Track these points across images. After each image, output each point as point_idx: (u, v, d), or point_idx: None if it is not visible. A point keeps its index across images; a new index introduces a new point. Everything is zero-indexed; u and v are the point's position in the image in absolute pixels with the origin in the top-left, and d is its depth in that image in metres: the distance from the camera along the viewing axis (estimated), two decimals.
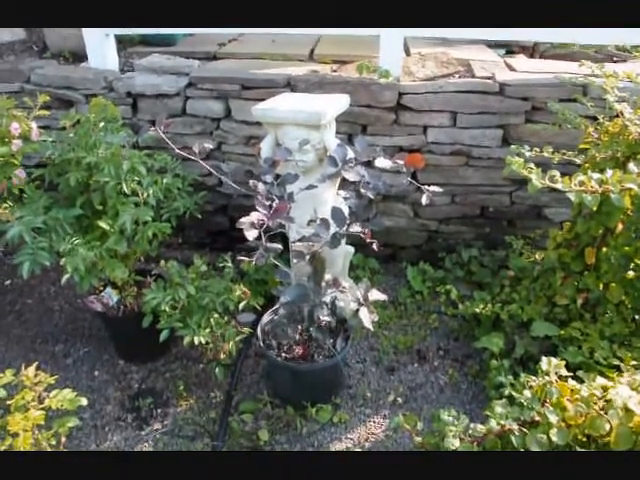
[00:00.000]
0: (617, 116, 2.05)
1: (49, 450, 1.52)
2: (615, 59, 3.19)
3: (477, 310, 2.37)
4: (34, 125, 2.17)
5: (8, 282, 2.95)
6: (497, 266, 2.76)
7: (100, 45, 2.85)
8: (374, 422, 2.13)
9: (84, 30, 2.79)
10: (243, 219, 1.65)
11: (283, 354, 2.09)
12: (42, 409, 1.52)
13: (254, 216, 1.66)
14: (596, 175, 1.75)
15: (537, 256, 2.49)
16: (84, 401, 1.59)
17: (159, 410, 2.19)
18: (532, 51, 3.53)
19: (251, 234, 1.63)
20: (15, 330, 2.61)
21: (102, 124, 2.23)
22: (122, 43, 3.26)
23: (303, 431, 2.08)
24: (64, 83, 2.79)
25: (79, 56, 3.06)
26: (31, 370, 1.58)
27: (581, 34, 2.45)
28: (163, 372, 2.36)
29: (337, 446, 2.03)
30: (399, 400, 2.21)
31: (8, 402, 1.52)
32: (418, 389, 2.27)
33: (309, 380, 2.11)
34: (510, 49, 3.47)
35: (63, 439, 1.58)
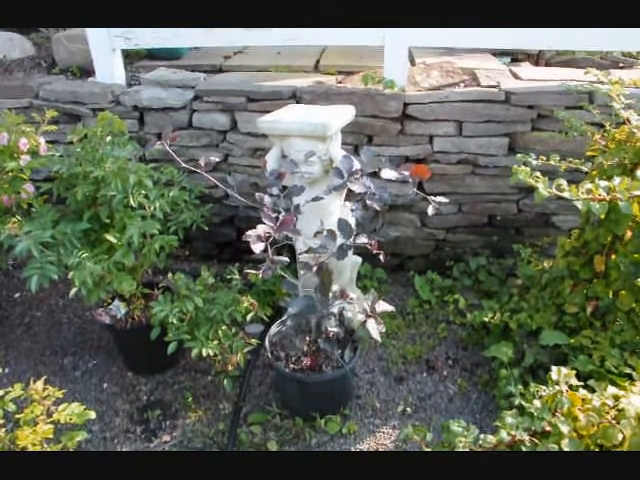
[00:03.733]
0: (624, 123, 2.04)
1: (54, 450, 1.52)
2: (621, 65, 3.18)
3: (486, 319, 2.36)
4: (42, 140, 2.20)
5: (17, 295, 2.96)
6: (505, 275, 2.75)
7: (107, 60, 2.87)
8: (383, 433, 2.11)
9: (91, 45, 2.82)
10: (249, 232, 1.65)
11: (291, 365, 2.08)
12: (51, 423, 1.53)
13: (260, 229, 1.67)
14: (604, 183, 1.74)
15: (545, 264, 2.47)
16: (92, 414, 1.59)
17: (168, 422, 2.18)
18: (537, 59, 3.52)
19: (257, 247, 1.63)
20: (24, 343, 2.63)
21: (109, 138, 2.25)
22: (129, 57, 3.29)
23: (312, 442, 2.07)
24: (72, 98, 2.82)
25: (87, 71, 3.10)
26: (40, 384, 1.59)
27: (587, 40, 2.45)
28: (171, 384, 2.36)
29: None
30: (408, 410, 2.20)
31: (17, 416, 1.53)
32: (427, 399, 2.25)
33: (318, 391, 2.10)
34: (515, 57, 3.47)
35: None
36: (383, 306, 1.73)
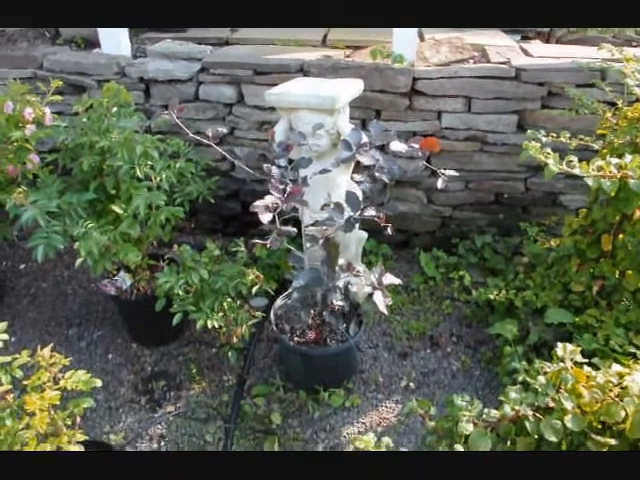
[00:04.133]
0: (636, 101, 2.02)
1: (42, 450, 1.51)
2: (634, 44, 3.13)
3: (491, 296, 2.36)
4: (47, 110, 2.17)
5: (23, 266, 2.97)
6: (511, 253, 2.75)
7: (112, 31, 2.84)
8: (386, 407, 2.13)
9: None
10: (257, 202, 1.64)
11: (296, 338, 2.09)
12: (58, 389, 1.53)
13: (268, 199, 1.66)
14: (615, 160, 1.73)
15: (552, 243, 2.46)
16: (98, 382, 1.60)
17: (172, 393, 2.20)
18: (548, 36, 3.47)
19: (265, 217, 1.63)
20: (30, 313, 2.64)
21: (115, 109, 2.23)
22: (134, 29, 3.24)
23: (315, 415, 2.09)
24: (76, 69, 2.79)
25: (91, 42, 3.06)
26: (46, 351, 1.59)
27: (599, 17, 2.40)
28: (176, 355, 2.38)
29: (349, 430, 2.04)
30: (411, 385, 2.21)
31: (25, 382, 1.54)
32: (431, 375, 2.26)
33: (322, 364, 2.11)
34: (525, 34, 3.42)
35: (78, 419, 1.59)
36: (390, 279, 1.72)
